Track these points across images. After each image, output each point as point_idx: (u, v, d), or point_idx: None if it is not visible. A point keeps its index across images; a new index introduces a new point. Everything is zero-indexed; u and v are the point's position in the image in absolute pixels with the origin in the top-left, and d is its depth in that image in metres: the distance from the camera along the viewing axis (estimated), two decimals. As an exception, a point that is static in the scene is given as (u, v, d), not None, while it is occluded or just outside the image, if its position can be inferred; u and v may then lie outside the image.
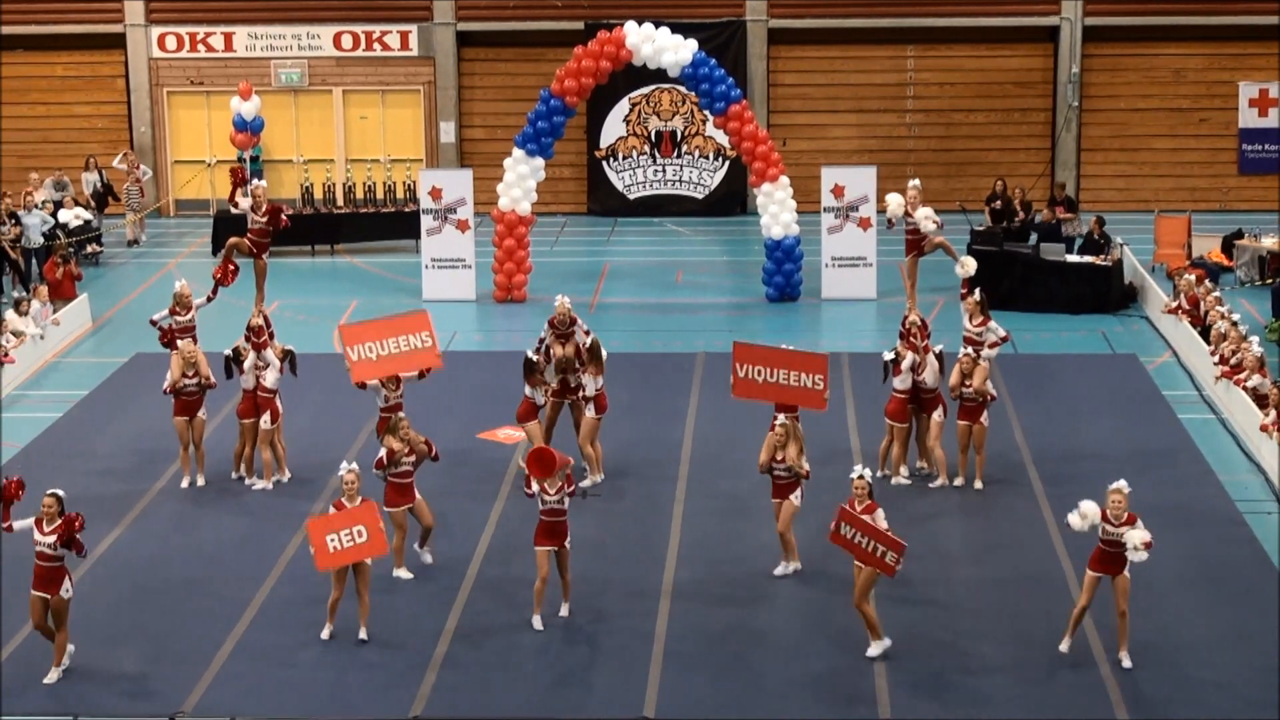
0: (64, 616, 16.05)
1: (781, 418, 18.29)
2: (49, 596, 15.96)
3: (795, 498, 18.10)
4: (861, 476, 16.35)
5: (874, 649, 16.25)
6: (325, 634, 16.63)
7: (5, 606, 17.34)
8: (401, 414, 18.80)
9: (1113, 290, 29.51)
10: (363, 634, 16.65)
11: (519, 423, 20.87)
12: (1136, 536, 15.82)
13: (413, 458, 18.13)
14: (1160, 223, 32.62)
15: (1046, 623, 16.96)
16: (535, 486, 16.84)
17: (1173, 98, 37.85)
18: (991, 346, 21.13)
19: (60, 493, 16.16)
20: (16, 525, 16.12)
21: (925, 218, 24.36)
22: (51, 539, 15.91)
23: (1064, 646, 16.29)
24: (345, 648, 16.52)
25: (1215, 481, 20.95)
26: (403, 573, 18.16)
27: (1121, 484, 16.13)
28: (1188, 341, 26.13)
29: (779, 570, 18.30)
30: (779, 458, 18.06)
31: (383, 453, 17.95)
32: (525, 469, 16.99)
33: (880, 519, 16.21)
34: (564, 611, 17.11)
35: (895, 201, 24.68)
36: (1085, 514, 16.12)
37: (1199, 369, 25.26)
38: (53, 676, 16.00)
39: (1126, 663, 16.01)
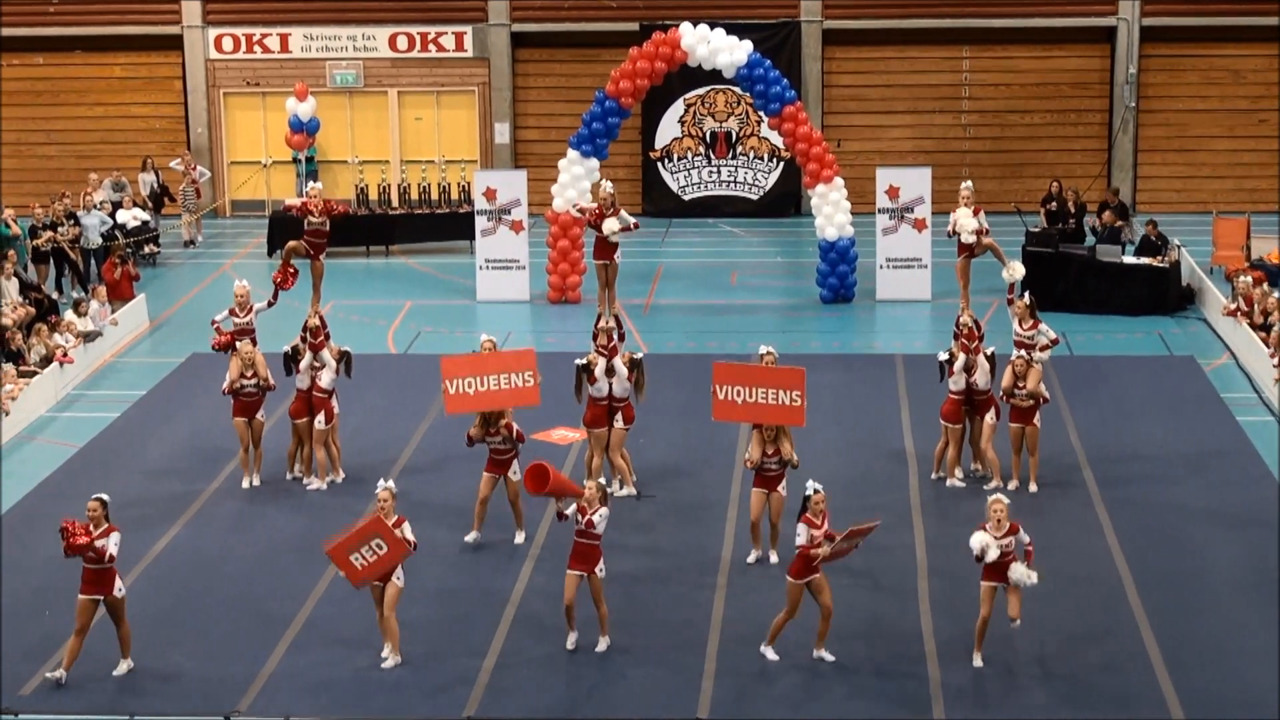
0: (122, 613, 16.13)
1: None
2: (101, 598, 16.02)
3: (783, 488, 18.44)
4: (818, 491, 16.19)
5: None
6: (385, 654, 16.44)
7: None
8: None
9: (1170, 292, 29.34)
10: (390, 659, 16.33)
11: (588, 429, 20.77)
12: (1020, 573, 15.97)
13: (499, 438, 19.08)
14: (1219, 224, 32.40)
15: (1101, 624, 16.88)
16: (568, 509, 16.40)
17: (1231, 98, 37.59)
18: (1042, 349, 21.06)
19: (105, 497, 16.21)
20: (99, 544, 15.96)
21: (970, 230, 24.10)
22: (100, 542, 15.84)
23: (977, 661, 16.20)
24: (399, 647, 16.55)
25: (1274, 484, 20.80)
26: (471, 535, 19.16)
27: (1000, 495, 16.27)
28: (1247, 344, 25.96)
29: (753, 558, 18.67)
30: (770, 452, 18.25)
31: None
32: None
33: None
34: (601, 646, 16.61)
35: (969, 226, 24.32)
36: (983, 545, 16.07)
37: (1258, 371, 25.09)
38: (123, 668, 16.16)
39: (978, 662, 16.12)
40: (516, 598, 17.79)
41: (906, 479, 21.04)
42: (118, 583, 16.08)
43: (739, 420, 18.80)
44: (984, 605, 16.10)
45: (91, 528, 15.90)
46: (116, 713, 15.60)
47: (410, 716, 15.49)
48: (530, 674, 16.14)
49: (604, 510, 16.38)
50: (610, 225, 24.56)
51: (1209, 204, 36.21)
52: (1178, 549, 18.73)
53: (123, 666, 16.18)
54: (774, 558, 18.59)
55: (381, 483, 16.72)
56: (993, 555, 15.97)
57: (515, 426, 19.31)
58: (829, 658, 16.23)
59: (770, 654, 16.31)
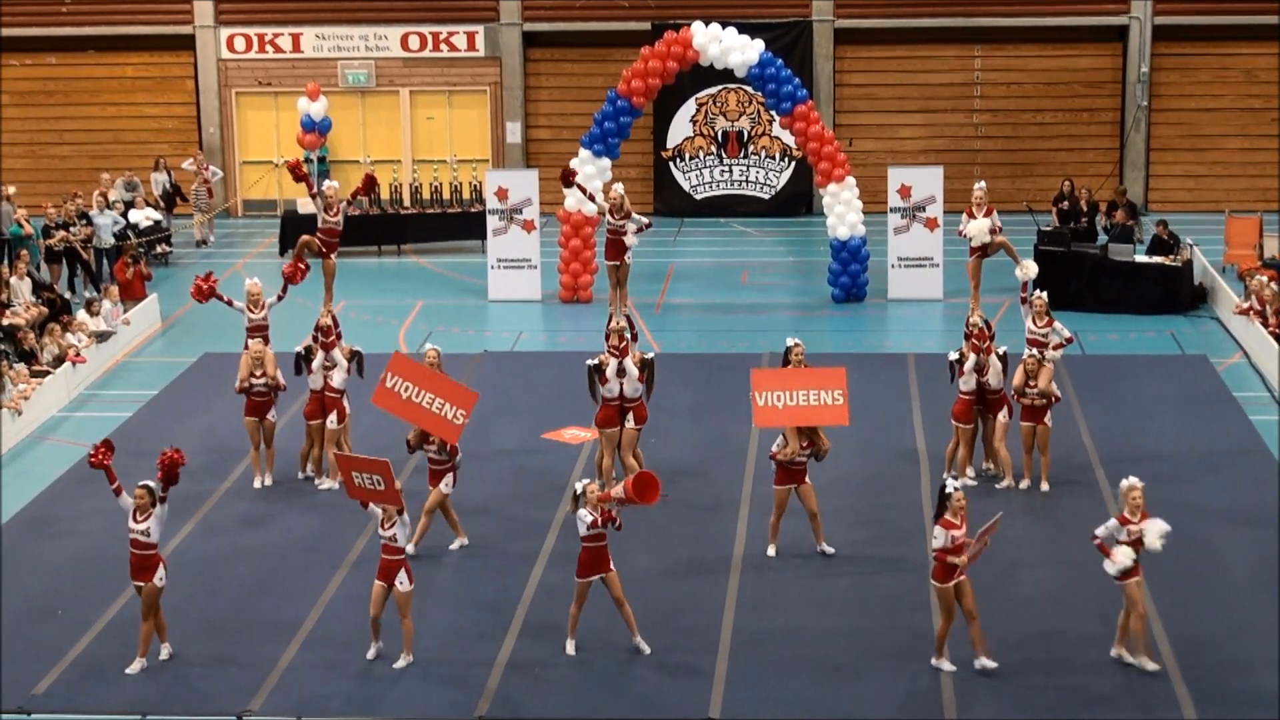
0: (154, 605, 16.27)
1: None
2: (142, 584, 16.22)
3: (808, 479, 18.53)
4: (958, 489, 16.01)
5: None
6: (371, 654, 16.44)
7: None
8: None
9: (1182, 291, 29.30)
10: (401, 661, 16.33)
11: (599, 429, 20.75)
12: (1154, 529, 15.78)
13: (434, 447, 18.85)
14: (1231, 223, 32.35)
15: (1113, 624, 16.84)
16: (594, 517, 16.19)
17: (1244, 97, 37.53)
18: (1056, 348, 21.04)
19: (152, 484, 16.33)
20: (121, 502, 16.27)
21: (979, 230, 24.19)
22: (144, 526, 16.14)
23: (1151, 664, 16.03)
24: (411, 663, 16.55)
25: (1286, 484, 20.78)
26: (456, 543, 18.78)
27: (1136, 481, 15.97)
28: (1259, 343, 25.92)
29: (773, 551, 18.71)
30: (804, 444, 18.41)
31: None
32: (628, 494, 16.18)
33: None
34: (642, 646, 16.51)
35: (979, 231, 24.59)
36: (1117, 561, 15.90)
37: (1271, 370, 25.04)
38: (135, 667, 16.22)
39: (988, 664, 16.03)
40: (527, 599, 17.79)
41: (918, 479, 21.02)
42: (160, 571, 16.30)
43: (782, 425, 18.71)
44: (1137, 604, 15.85)
45: (138, 512, 16.19)
46: (128, 712, 15.62)
47: (421, 716, 15.50)
48: (541, 674, 16.14)
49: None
50: (630, 239, 24.67)
51: (1222, 203, 36.16)
52: (1190, 548, 18.68)
53: (136, 665, 16.26)
54: (829, 549, 18.67)
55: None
56: (1125, 561, 15.76)
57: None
58: (991, 665, 15.93)
59: (947, 665, 16.00)
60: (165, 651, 16.42)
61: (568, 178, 25.62)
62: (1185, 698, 15.46)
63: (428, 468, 19.12)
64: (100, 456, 16.10)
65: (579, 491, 16.28)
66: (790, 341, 19.82)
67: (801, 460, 18.48)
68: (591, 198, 26.71)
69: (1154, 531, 15.76)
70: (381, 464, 16.15)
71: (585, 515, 16.13)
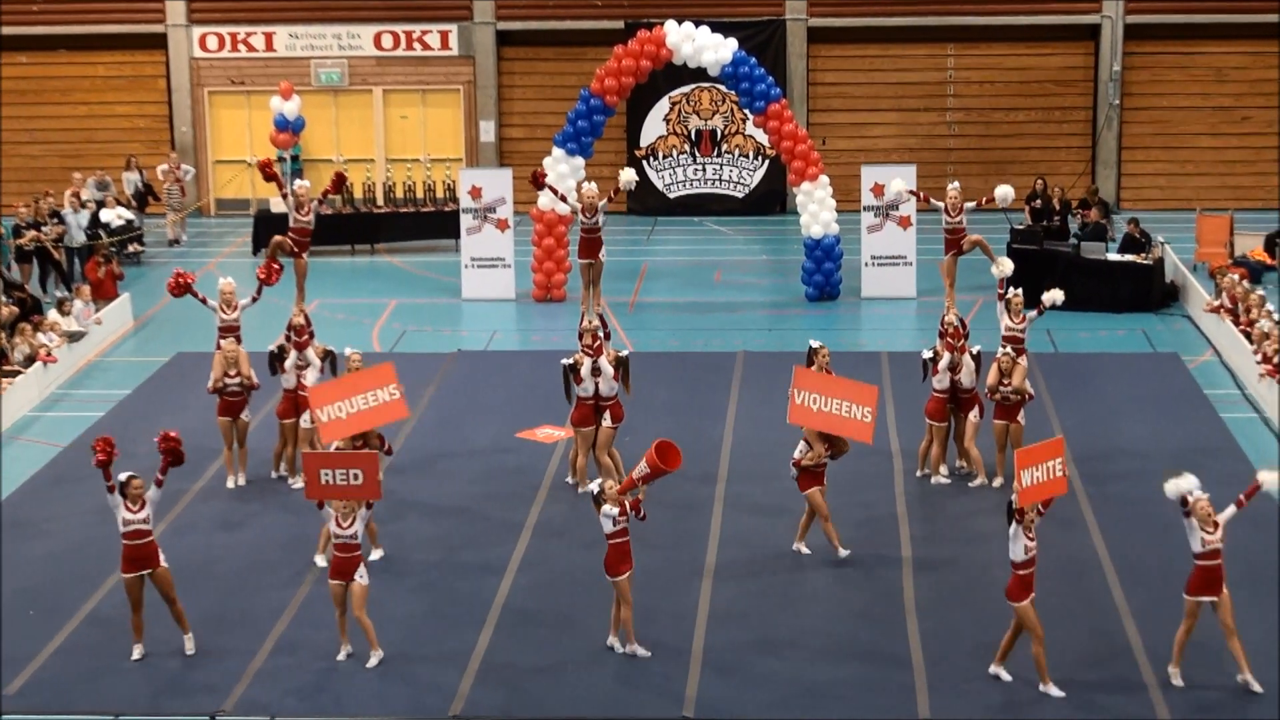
0: (172, 587, 16.39)
1: None
2: (150, 571, 16.28)
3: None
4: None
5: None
6: (342, 655, 16.43)
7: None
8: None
9: (1154, 289, 29.40)
10: (373, 659, 16.32)
11: (575, 428, 20.75)
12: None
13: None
14: (1202, 221, 32.47)
15: (1085, 622, 16.91)
16: (614, 511, 16.14)
17: (1215, 96, 37.69)
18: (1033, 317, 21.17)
19: (138, 475, 16.37)
20: (111, 500, 16.28)
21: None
22: (144, 514, 16.20)
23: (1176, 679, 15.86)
24: (384, 647, 16.54)
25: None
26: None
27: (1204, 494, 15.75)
28: (1230, 340, 26.01)
29: (845, 554, 18.60)
30: (826, 448, 18.40)
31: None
32: (651, 467, 16.20)
33: None
34: (638, 650, 16.47)
35: (896, 187, 26.13)
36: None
37: (1241, 368, 25.14)
38: (190, 646, 16.46)
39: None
40: (502, 596, 17.79)
41: (892, 476, 21.06)
42: (161, 555, 16.37)
43: (812, 426, 18.73)
44: (1187, 619, 15.71)
45: (132, 503, 16.21)
46: (101, 712, 15.58)
47: (396, 715, 15.48)
48: (514, 673, 16.13)
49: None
50: (626, 176, 24.88)
51: (1193, 201, 36.30)
52: (1162, 545, 18.74)
53: (189, 644, 16.51)
54: (844, 552, 18.60)
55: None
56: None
57: (385, 439, 19.26)
58: (1005, 676, 15.86)
59: (1004, 674, 15.85)
60: (191, 643, 16.52)
61: (537, 180, 25.64)
62: (1157, 695, 15.50)
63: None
64: (105, 453, 16.06)
65: (596, 492, 16.26)
66: (814, 344, 19.83)
67: (827, 461, 18.51)
68: (563, 198, 26.70)
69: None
70: (368, 457, 16.15)
71: (610, 510, 16.10)
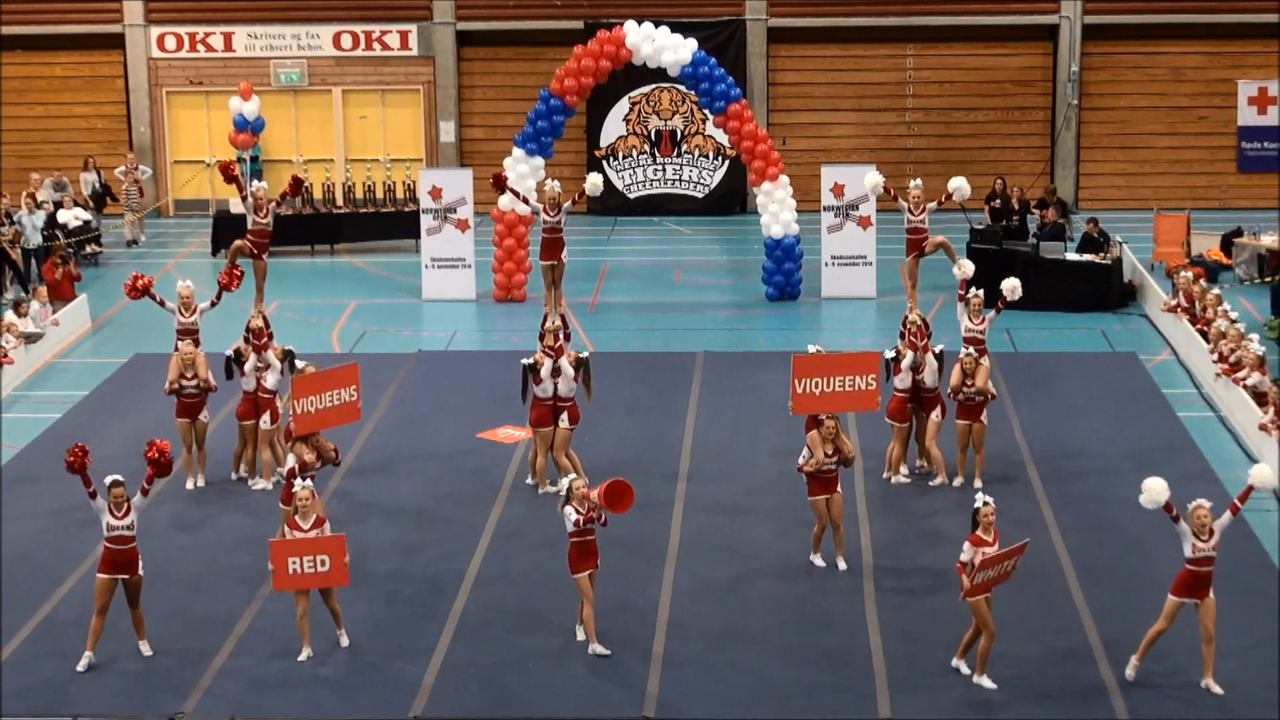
0: (138, 595, 16.37)
1: (825, 415, 18.40)
2: (127, 577, 16.24)
3: (839, 488, 18.29)
4: (988, 504, 15.77)
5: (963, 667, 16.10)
6: (303, 656, 16.40)
7: (4, 610, 17.35)
8: None
9: (1112, 288, 29.52)
10: (343, 639, 16.54)
11: (533, 428, 20.73)
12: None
13: (320, 465, 18.51)
14: (1159, 221, 32.62)
15: (1045, 620, 16.97)
16: (579, 515, 16.17)
17: (1172, 96, 37.87)
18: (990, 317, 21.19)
19: (122, 479, 16.30)
20: (95, 505, 16.23)
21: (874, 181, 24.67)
22: (128, 521, 16.14)
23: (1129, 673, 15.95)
24: (344, 649, 16.52)
25: (1215, 479, 20.93)
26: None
27: (1203, 500, 15.70)
28: (1187, 339, 26.14)
29: (820, 561, 18.46)
30: (829, 452, 18.16)
31: (294, 463, 17.85)
32: (597, 500, 16.15)
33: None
34: (598, 648, 16.45)
35: (873, 180, 25.27)
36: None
37: (1198, 367, 25.27)
38: (146, 650, 16.43)
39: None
40: (463, 597, 17.76)
41: (852, 476, 21.08)
42: (140, 562, 16.34)
43: (817, 411, 18.66)
44: (1164, 619, 15.68)
45: (115, 509, 16.15)
46: (59, 714, 15.51)
47: (355, 717, 15.45)
48: (475, 674, 16.12)
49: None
50: (593, 181, 24.86)
51: (1150, 201, 36.51)
52: (1121, 544, 18.84)
53: (145, 648, 16.47)
54: (842, 564, 18.39)
55: (299, 482, 16.77)
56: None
57: (338, 451, 19.19)
58: (988, 684, 15.80)
59: (980, 679, 15.82)
60: (147, 648, 16.46)
61: (499, 182, 25.55)
62: (1115, 692, 15.57)
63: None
64: (78, 460, 15.96)
65: (566, 489, 16.30)
66: (811, 348, 19.81)
67: (830, 469, 18.24)
68: (525, 200, 26.64)
69: None
70: (334, 542, 16.29)
71: (570, 513, 16.14)
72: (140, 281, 21.27)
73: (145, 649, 16.48)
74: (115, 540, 16.21)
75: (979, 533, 15.65)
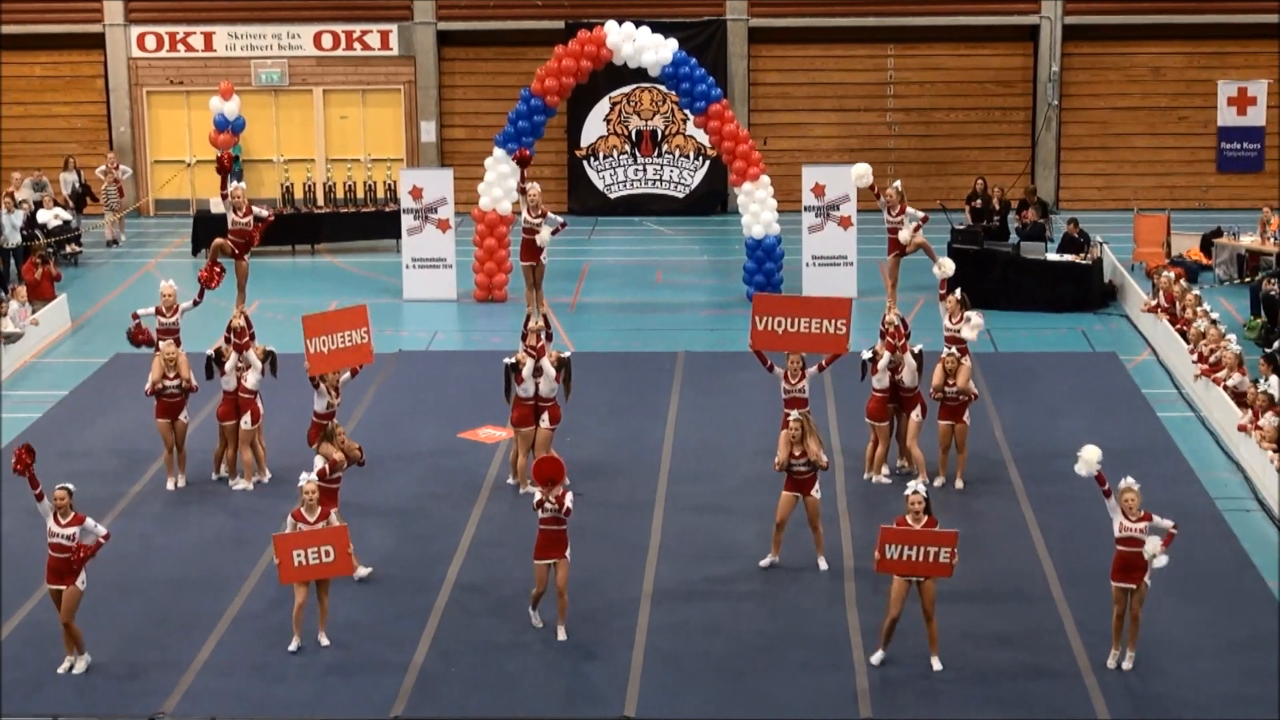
0: (74, 610, 16.05)
1: (795, 413, 18.32)
2: (62, 588, 16.01)
3: (816, 492, 18.21)
4: (916, 492, 16.04)
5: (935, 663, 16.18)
6: (294, 646, 16.46)
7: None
8: (336, 420, 18.95)
9: (1092, 289, 29.58)
10: (323, 639, 16.58)
11: (514, 428, 20.72)
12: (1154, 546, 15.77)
13: (346, 465, 18.42)
14: (1139, 221, 32.70)
15: (1026, 621, 16.99)
16: (538, 495, 16.55)
17: (1152, 96, 37.96)
18: (972, 327, 21.19)
19: (71, 487, 16.21)
20: (41, 508, 16.09)
21: (911, 219, 24.41)
22: (70, 531, 15.97)
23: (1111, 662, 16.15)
24: (325, 649, 16.51)
25: (1195, 480, 21.00)
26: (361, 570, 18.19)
27: (1131, 481, 16.05)
28: (1167, 340, 26.19)
29: (766, 562, 18.42)
30: (797, 453, 18.09)
31: (323, 464, 17.98)
32: (532, 479, 16.72)
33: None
34: (561, 635, 16.69)
35: (860, 171, 24.96)
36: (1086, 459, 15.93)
37: (1178, 367, 25.32)
38: (80, 666, 16.14)
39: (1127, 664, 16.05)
40: (444, 597, 17.75)
41: (832, 475, 21.10)
42: (82, 575, 16.06)
43: (778, 349, 18.48)
44: (1116, 604, 15.98)
45: (60, 515, 16.01)
46: (38, 715, 15.47)
47: (336, 717, 15.43)
48: (457, 673, 16.11)
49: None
50: (544, 236, 24.58)
51: (1130, 201, 36.59)
52: (1102, 545, 18.82)
53: (81, 663, 16.14)
54: (823, 564, 18.38)
55: (305, 475, 16.86)
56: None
57: (363, 451, 18.98)
58: (937, 665, 16.01)
59: (876, 658, 16.11)
60: (83, 664, 16.17)
61: (523, 159, 25.07)
62: (1097, 695, 15.60)
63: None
64: (21, 462, 15.88)
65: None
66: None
67: (801, 470, 18.13)
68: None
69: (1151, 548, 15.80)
70: (337, 532, 16.46)
71: (536, 494, 16.52)
72: (140, 337, 21.40)
73: (70, 664, 16.08)
74: (54, 547, 16.01)
75: (908, 519, 15.90)
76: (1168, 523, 16.00)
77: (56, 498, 16.03)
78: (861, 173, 25.24)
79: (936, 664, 15.98)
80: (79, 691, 15.81)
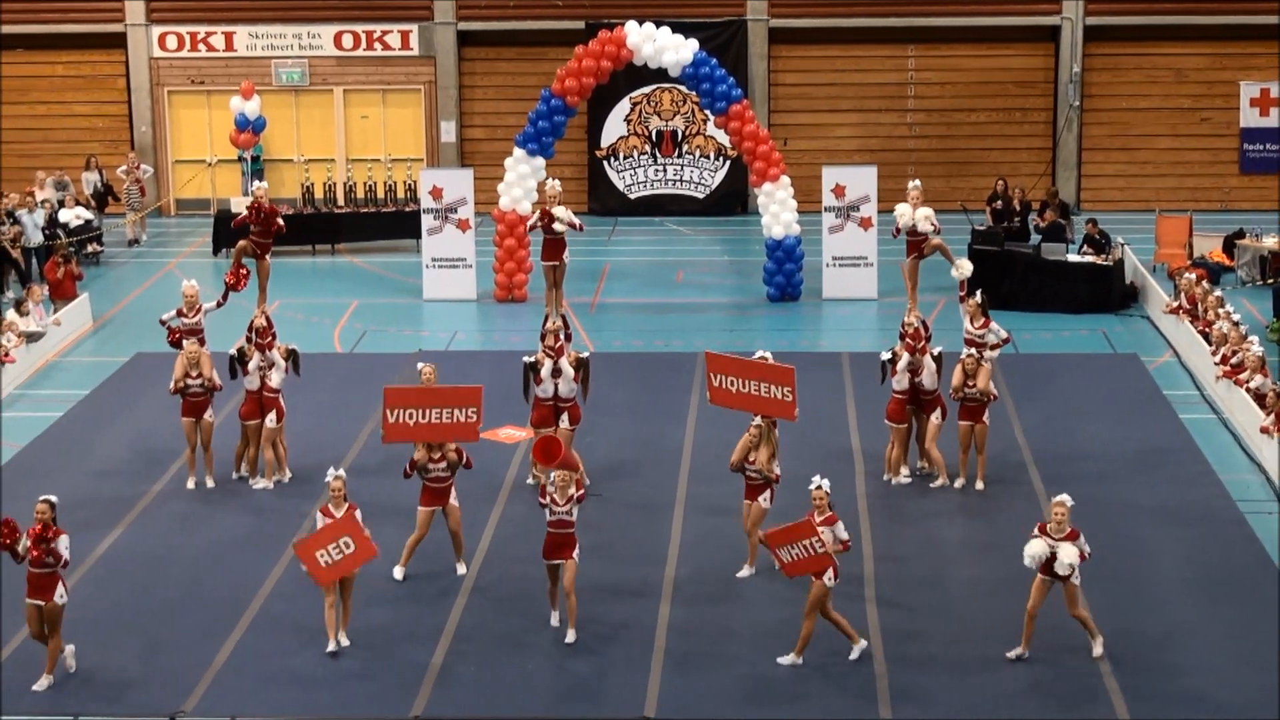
0: (57, 623, 15.90)
1: (757, 419, 18.32)
2: (43, 603, 15.84)
3: (764, 500, 18.22)
4: (820, 487, 16.33)
5: (855, 651, 16.25)
6: (331, 647, 16.43)
7: (4, 609, 17.33)
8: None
9: (1114, 290, 29.50)
10: (344, 639, 16.54)
11: (534, 429, 20.70)
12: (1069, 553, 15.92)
13: (443, 464, 18.22)
14: (1161, 222, 32.61)
15: (1045, 622, 16.95)
16: (546, 497, 16.66)
17: (1174, 97, 37.85)
18: (993, 349, 21.14)
19: (53, 499, 16.08)
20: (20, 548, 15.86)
21: (925, 218, 24.34)
22: (52, 545, 15.80)
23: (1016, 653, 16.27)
24: (345, 649, 16.51)
25: (1216, 481, 20.94)
26: (398, 571, 18.12)
27: (1064, 497, 16.19)
28: (1189, 341, 26.12)
29: (743, 573, 18.34)
30: (750, 459, 18.16)
31: (424, 455, 18.24)
32: (534, 465, 16.86)
33: (840, 531, 16.33)
34: (570, 637, 16.69)
35: (904, 211, 24.57)
36: (1033, 555, 16.10)
37: (1200, 369, 25.25)
38: (43, 684, 15.86)
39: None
40: (464, 596, 17.76)
41: (853, 477, 21.09)
42: (60, 589, 15.89)
43: (734, 407, 18.70)
44: (1032, 596, 16.13)
45: (22, 529, 15.80)
46: (59, 714, 15.50)
47: (356, 716, 15.44)
48: (476, 673, 16.12)
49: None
50: (561, 213, 24.47)
51: (1152, 202, 36.47)
52: (1122, 546, 18.83)
53: (43, 682, 15.88)
54: (745, 571, 18.35)
55: (332, 470, 16.88)
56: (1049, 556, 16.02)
57: (465, 451, 18.63)
58: (786, 662, 16.19)
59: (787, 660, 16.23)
60: (44, 682, 15.89)
61: (545, 219, 24.78)
62: (1117, 694, 15.57)
63: (424, 489, 18.41)
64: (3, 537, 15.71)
65: (550, 479, 16.73)
66: (759, 354, 19.72)
67: (752, 476, 18.20)
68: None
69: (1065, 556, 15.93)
70: (346, 522, 16.42)
71: (539, 480, 16.82)
72: (174, 337, 21.42)
73: (44, 683, 15.83)
74: (32, 560, 15.84)
75: (814, 514, 16.13)
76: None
77: (38, 511, 15.81)
78: (908, 213, 24.69)
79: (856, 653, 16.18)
80: (100, 691, 15.84)
